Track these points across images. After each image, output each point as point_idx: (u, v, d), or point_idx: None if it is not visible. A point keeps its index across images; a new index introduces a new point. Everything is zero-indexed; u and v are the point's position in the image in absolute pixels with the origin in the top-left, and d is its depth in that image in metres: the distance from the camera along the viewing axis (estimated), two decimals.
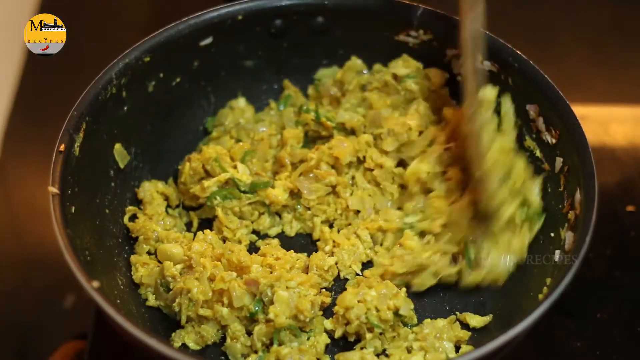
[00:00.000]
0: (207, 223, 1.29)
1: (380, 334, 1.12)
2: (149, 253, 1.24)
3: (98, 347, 1.24)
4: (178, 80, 1.30)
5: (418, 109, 1.30)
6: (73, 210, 1.10)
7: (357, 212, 1.28)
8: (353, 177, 1.31)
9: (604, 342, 1.24)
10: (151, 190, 1.28)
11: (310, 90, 1.39)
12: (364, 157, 1.30)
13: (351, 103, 1.35)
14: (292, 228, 1.30)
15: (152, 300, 1.19)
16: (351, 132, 1.33)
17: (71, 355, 1.43)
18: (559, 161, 1.18)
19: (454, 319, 1.16)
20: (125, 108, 1.23)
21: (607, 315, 1.27)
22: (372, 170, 1.30)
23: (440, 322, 1.14)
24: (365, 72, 1.36)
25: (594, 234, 1.04)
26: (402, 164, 1.30)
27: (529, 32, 1.70)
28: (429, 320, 1.15)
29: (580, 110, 1.16)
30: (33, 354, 1.61)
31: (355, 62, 1.35)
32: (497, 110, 1.28)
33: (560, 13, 1.76)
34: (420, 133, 1.29)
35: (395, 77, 1.32)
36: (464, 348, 1.13)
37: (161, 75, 1.26)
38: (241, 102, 1.37)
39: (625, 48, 1.71)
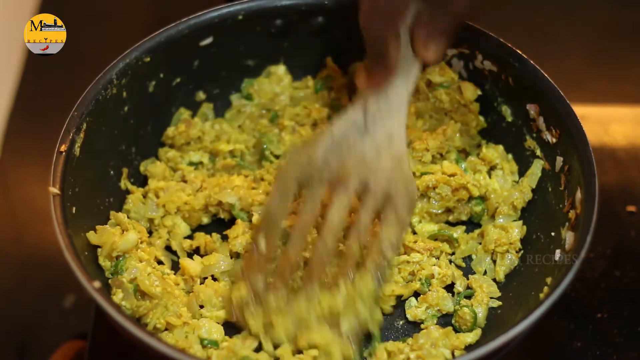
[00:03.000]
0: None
1: None
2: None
3: (98, 347, 1.24)
4: (178, 80, 1.29)
5: (446, 130, 1.27)
6: (74, 211, 1.09)
7: None
8: None
9: (604, 342, 1.24)
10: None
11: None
12: None
13: None
14: None
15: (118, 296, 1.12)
16: None
17: (71, 355, 1.43)
18: (559, 160, 1.18)
19: (450, 329, 1.13)
20: (126, 108, 1.23)
21: (607, 315, 1.27)
22: None
23: (435, 332, 1.11)
24: None
25: (594, 233, 1.04)
26: None
27: (529, 31, 1.70)
28: (424, 331, 1.12)
29: (580, 110, 1.16)
30: (33, 354, 1.62)
31: None
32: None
33: (560, 13, 1.76)
34: (442, 155, 1.26)
35: (429, 83, 1.29)
36: (458, 353, 1.11)
37: (161, 75, 1.26)
38: (281, 69, 1.34)
39: (625, 48, 1.71)
